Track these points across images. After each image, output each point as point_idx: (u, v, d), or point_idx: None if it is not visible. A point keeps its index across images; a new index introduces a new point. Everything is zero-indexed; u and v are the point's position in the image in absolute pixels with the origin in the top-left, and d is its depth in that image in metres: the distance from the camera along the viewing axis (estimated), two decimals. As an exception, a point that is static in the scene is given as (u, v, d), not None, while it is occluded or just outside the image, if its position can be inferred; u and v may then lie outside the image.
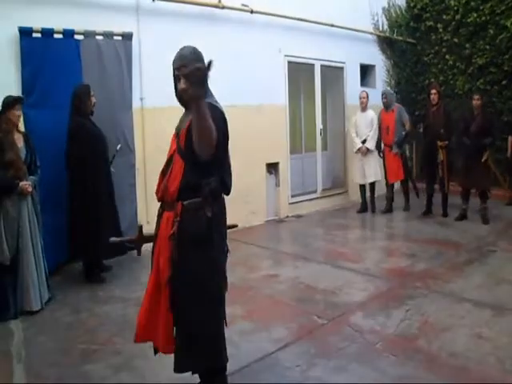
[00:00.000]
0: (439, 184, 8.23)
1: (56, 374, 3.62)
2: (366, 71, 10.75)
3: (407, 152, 9.01)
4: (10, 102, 4.72)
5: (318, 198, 9.30)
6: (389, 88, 9.07)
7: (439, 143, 7.98)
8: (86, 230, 5.39)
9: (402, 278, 5.40)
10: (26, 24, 5.60)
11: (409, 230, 7.69)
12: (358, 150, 8.87)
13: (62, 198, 5.53)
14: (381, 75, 10.97)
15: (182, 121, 2.93)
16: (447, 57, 10.57)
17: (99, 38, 6.23)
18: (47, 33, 5.76)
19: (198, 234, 2.68)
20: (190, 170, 2.67)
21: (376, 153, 8.93)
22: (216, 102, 2.84)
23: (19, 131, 4.90)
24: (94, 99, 5.58)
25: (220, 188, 2.77)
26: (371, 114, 8.89)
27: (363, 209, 8.95)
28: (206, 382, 2.89)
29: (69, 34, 5.94)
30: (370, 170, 8.87)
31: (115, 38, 6.37)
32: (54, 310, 4.84)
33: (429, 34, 10.93)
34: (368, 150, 8.79)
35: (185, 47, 3.12)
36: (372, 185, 8.98)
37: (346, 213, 8.81)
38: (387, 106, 8.77)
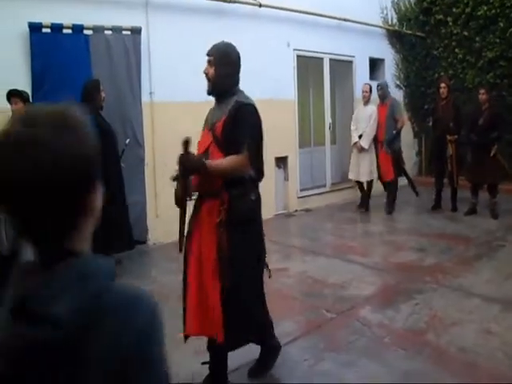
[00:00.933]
0: (448, 178, 8.20)
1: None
2: (375, 65, 10.69)
3: (402, 148, 8.59)
4: (7, 95, 4.79)
5: (326, 192, 9.28)
6: (384, 80, 8.65)
7: (448, 137, 7.94)
8: (97, 223, 5.41)
9: (410, 273, 5.39)
10: (36, 19, 5.63)
11: (418, 224, 7.66)
12: (354, 144, 8.64)
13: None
14: (390, 69, 10.91)
15: (213, 114, 3.18)
16: (457, 50, 10.48)
17: (108, 32, 6.25)
18: (56, 28, 5.79)
19: (246, 216, 2.99)
20: None
21: (372, 151, 8.63)
22: (246, 97, 3.11)
23: None
24: (103, 94, 5.60)
25: (257, 175, 3.08)
26: (371, 109, 8.58)
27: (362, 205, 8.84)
28: (266, 351, 3.39)
29: (78, 29, 5.96)
30: (364, 169, 8.55)
31: (124, 32, 6.39)
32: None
33: (438, 27, 10.85)
34: (362, 148, 8.47)
35: (221, 42, 3.30)
36: (368, 184, 8.70)
37: (355, 207, 8.77)
38: (382, 99, 8.50)
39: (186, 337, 3.21)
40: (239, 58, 3.24)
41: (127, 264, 5.96)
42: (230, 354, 3.17)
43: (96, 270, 1.07)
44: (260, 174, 3.15)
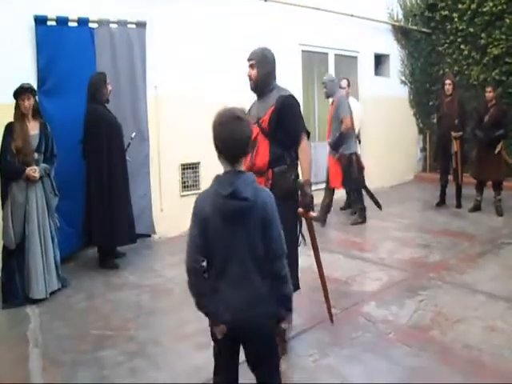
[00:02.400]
0: (453, 175, 8.17)
1: (71, 360, 3.66)
2: (380, 61, 10.66)
3: (358, 151, 7.86)
4: (17, 91, 4.76)
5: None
6: (332, 74, 7.64)
7: (453, 134, 7.92)
8: (101, 216, 5.43)
9: (415, 269, 5.38)
10: (41, 12, 5.62)
11: (422, 220, 7.64)
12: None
13: (78, 185, 5.58)
14: (395, 65, 10.88)
15: (257, 109, 3.78)
16: (462, 47, 10.43)
17: (113, 26, 6.23)
18: (62, 21, 5.78)
19: (286, 190, 3.57)
20: (274, 146, 3.63)
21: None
22: (284, 90, 3.75)
23: (36, 119, 4.91)
24: (109, 87, 5.61)
25: (296, 157, 3.68)
26: (352, 105, 7.86)
27: (348, 206, 8.41)
28: None
29: (83, 22, 5.95)
30: None
31: (129, 26, 6.38)
32: (68, 296, 4.90)
33: (444, 23, 10.79)
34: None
35: (258, 47, 3.85)
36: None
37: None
38: (327, 97, 7.62)
39: None
40: (274, 58, 3.83)
41: (132, 257, 5.99)
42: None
43: (253, 178, 2.33)
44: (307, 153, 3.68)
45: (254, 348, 2.42)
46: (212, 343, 2.50)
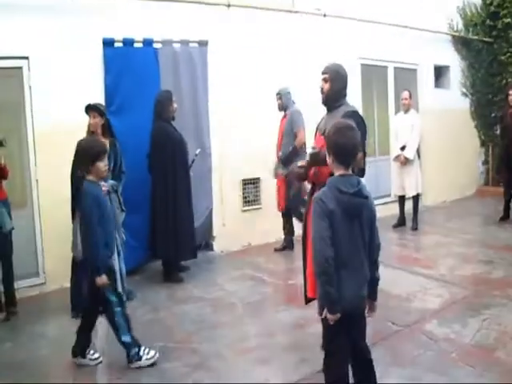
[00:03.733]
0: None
1: (136, 370, 3.80)
2: (440, 72, 10.49)
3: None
4: (85, 109, 5.03)
5: (391, 201, 9.05)
6: (287, 87, 6.93)
7: None
8: (166, 231, 5.60)
9: (478, 286, 5.27)
10: (109, 35, 5.90)
11: (485, 236, 7.46)
12: (397, 157, 8.18)
13: (144, 199, 5.77)
14: (456, 76, 10.69)
15: (325, 122, 3.78)
16: (526, 55, 10.15)
17: (176, 45, 6.44)
18: (128, 42, 6.03)
19: None
20: None
21: (417, 162, 8.16)
22: (352, 106, 3.79)
23: (106, 137, 5.13)
24: (175, 105, 5.78)
25: (361, 173, 3.57)
26: (413, 117, 8.14)
27: (400, 223, 8.26)
28: None
29: (148, 42, 6.19)
30: (411, 182, 8.07)
31: (191, 45, 6.57)
32: (134, 308, 5.04)
33: (506, 31, 10.49)
34: (406, 159, 7.98)
35: (334, 62, 3.96)
36: (415, 198, 8.15)
37: (420, 217, 8.54)
38: (281, 109, 6.93)
39: (308, 300, 3.68)
40: (347, 76, 3.88)
41: (195, 271, 6.14)
42: (308, 358, 3.20)
43: (360, 180, 2.78)
44: (363, 172, 3.63)
45: (358, 323, 2.86)
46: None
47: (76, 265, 4.98)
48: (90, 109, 5.02)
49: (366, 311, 2.91)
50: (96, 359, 3.95)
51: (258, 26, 7.25)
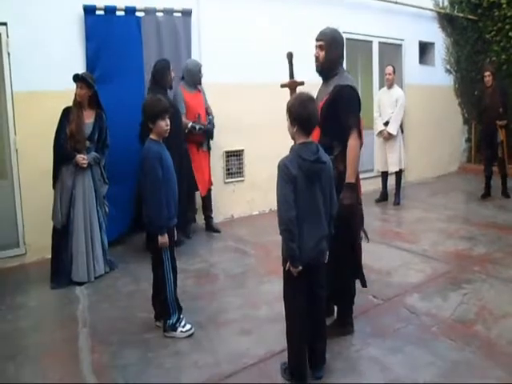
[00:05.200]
0: (498, 165, 8.07)
1: (118, 340, 3.78)
2: (425, 49, 10.46)
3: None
4: (73, 78, 4.91)
5: (374, 176, 9.03)
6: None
7: (498, 123, 7.87)
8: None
9: (459, 261, 5.32)
10: (90, 2, 5.75)
11: (467, 212, 7.52)
12: (380, 133, 8.18)
13: (128, 171, 5.66)
14: (440, 53, 10.67)
15: (319, 93, 3.68)
16: (510, 34, 10.10)
17: (159, 14, 6.31)
18: (110, 10, 5.88)
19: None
20: (323, 134, 3.55)
21: (400, 137, 8.15)
22: (346, 78, 3.59)
23: (92, 108, 5.05)
24: (173, 73, 5.68)
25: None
26: (397, 93, 8.06)
27: (383, 198, 8.33)
28: None
29: (130, 11, 6.05)
30: (393, 158, 8.07)
31: (175, 14, 6.45)
32: (116, 279, 5.04)
33: (491, 9, 10.46)
34: (390, 134, 7.98)
35: (328, 27, 3.79)
36: (397, 174, 8.18)
37: (403, 192, 8.54)
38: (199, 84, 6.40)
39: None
40: (344, 41, 3.77)
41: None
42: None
43: (319, 147, 3.04)
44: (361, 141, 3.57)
45: (315, 273, 3.12)
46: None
47: (56, 234, 4.94)
48: (78, 79, 4.90)
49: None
50: (188, 330, 3.87)
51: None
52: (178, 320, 3.85)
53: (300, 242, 2.96)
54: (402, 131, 8.32)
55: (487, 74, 8.10)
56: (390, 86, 8.17)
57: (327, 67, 3.65)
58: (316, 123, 3.03)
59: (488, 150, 8.23)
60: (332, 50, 3.62)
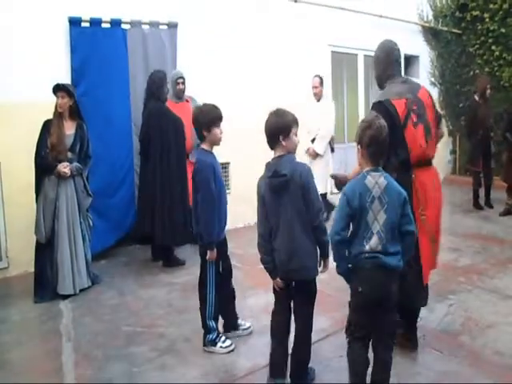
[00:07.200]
0: (485, 176, 8.16)
1: (102, 355, 3.73)
2: (409, 62, 10.59)
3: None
4: (53, 88, 4.88)
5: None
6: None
7: (492, 134, 8.07)
8: (163, 216, 5.43)
9: (445, 272, 5.30)
10: (75, 14, 5.76)
11: (452, 223, 7.55)
12: (307, 150, 7.37)
13: (114, 183, 5.61)
14: (425, 66, 10.80)
15: None
16: (493, 48, 10.30)
17: (145, 27, 6.32)
18: (95, 22, 5.89)
19: None
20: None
21: (327, 158, 7.43)
22: (381, 94, 3.59)
23: (74, 119, 5.02)
24: (168, 86, 5.67)
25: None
26: (326, 107, 7.37)
27: None
28: None
29: (116, 23, 6.05)
30: (318, 179, 7.28)
31: (161, 27, 6.46)
32: (100, 293, 4.99)
33: (475, 23, 10.67)
34: (316, 153, 7.30)
35: (381, 42, 3.78)
36: (323, 197, 7.04)
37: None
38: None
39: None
40: (387, 53, 3.66)
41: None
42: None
43: (293, 159, 3.05)
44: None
45: (296, 292, 3.14)
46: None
47: (40, 247, 4.88)
48: (59, 89, 4.87)
49: (320, 269, 3.20)
50: (228, 347, 3.77)
51: (229, 9, 7.16)
52: (218, 335, 3.77)
53: (275, 254, 3.07)
54: (333, 150, 7.67)
55: (489, 86, 8.20)
56: (318, 99, 7.46)
57: (378, 84, 3.78)
58: (277, 137, 3.05)
59: (483, 160, 8.25)
60: (376, 69, 3.76)
